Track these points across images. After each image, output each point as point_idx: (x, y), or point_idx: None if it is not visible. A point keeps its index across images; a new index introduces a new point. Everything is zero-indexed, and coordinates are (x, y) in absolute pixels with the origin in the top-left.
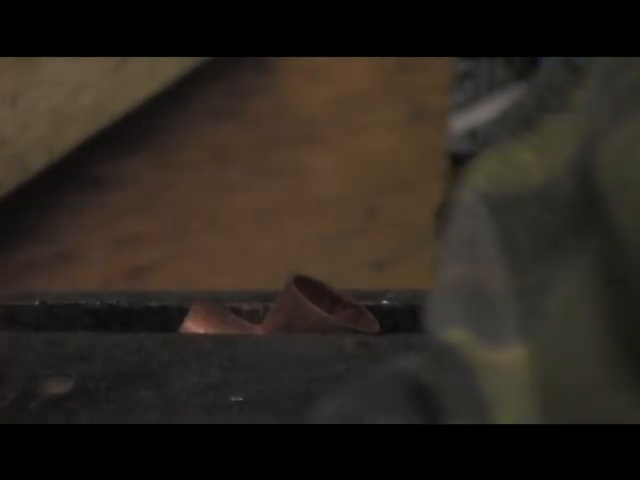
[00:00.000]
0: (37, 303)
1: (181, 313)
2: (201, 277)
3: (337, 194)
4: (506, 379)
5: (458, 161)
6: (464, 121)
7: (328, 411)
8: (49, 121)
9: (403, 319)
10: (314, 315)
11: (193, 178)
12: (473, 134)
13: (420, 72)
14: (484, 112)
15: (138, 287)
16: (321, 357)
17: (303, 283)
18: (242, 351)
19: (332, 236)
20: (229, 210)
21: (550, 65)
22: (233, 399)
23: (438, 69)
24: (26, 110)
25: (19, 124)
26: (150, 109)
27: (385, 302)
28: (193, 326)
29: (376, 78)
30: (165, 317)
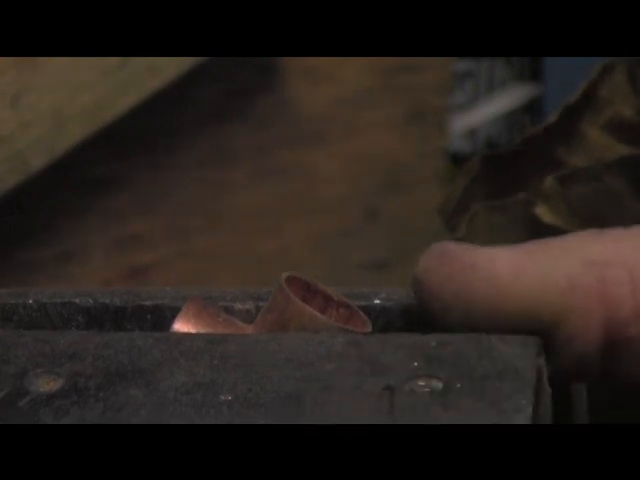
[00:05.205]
0: (30, 301)
1: (174, 312)
2: (202, 277)
3: (337, 194)
4: None
5: (458, 161)
6: (464, 121)
7: None
8: (49, 120)
9: (395, 318)
10: (305, 315)
11: (194, 178)
12: (473, 134)
13: (420, 72)
14: (484, 112)
15: (134, 286)
16: (310, 357)
17: (295, 283)
18: (232, 350)
19: (332, 236)
20: (230, 210)
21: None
22: (222, 398)
23: (438, 69)
24: (26, 110)
25: (19, 123)
26: (151, 109)
27: (377, 301)
28: (184, 325)
29: (376, 78)
30: (158, 316)
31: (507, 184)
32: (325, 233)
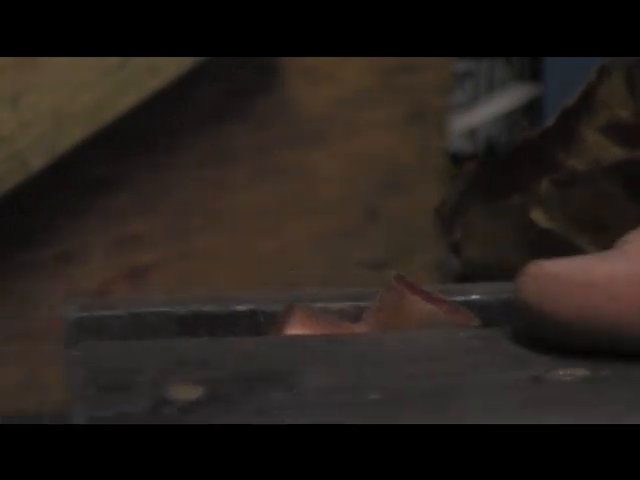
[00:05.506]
0: (122, 312)
1: (267, 316)
2: (202, 277)
3: (337, 194)
4: None
5: (458, 161)
6: (464, 121)
7: None
8: (49, 120)
9: (495, 313)
10: (424, 311)
11: (194, 178)
12: (473, 134)
13: (420, 72)
14: (484, 112)
15: (225, 293)
16: (443, 352)
17: (398, 282)
18: (360, 349)
19: (332, 236)
20: (230, 210)
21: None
22: (369, 397)
23: (438, 69)
24: (26, 110)
25: (19, 123)
26: (151, 109)
27: (475, 297)
28: (295, 330)
29: (376, 78)
30: (252, 321)
31: (505, 187)
32: (325, 233)
